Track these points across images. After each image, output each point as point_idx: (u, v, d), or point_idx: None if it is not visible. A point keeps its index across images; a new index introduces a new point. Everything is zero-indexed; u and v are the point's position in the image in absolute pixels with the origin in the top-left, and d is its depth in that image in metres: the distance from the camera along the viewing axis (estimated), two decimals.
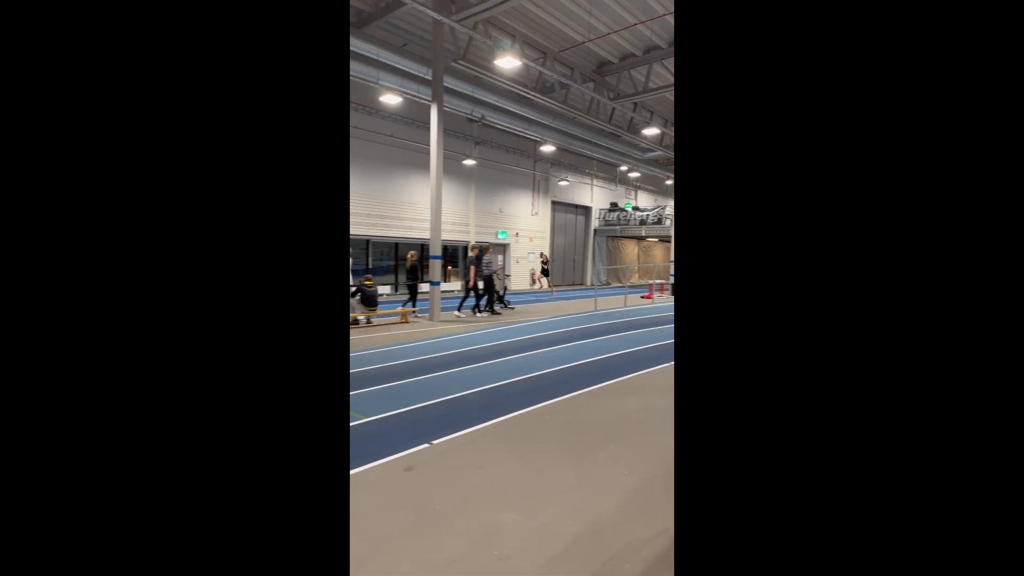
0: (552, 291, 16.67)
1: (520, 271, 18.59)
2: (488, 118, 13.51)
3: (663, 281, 17.18)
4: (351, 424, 3.59)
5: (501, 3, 8.32)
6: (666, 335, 7.89)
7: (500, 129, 15.61)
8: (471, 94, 11.75)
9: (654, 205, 23.00)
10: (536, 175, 18.65)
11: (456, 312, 9.99)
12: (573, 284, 21.20)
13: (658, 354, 6.40)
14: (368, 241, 13.76)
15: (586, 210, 21.65)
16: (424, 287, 10.28)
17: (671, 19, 10.35)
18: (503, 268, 12.83)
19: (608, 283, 21.84)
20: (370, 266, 13.75)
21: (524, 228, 18.65)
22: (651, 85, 12.82)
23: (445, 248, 14.00)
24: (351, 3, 9.80)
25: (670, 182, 23.18)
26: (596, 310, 11.21)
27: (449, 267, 16.08)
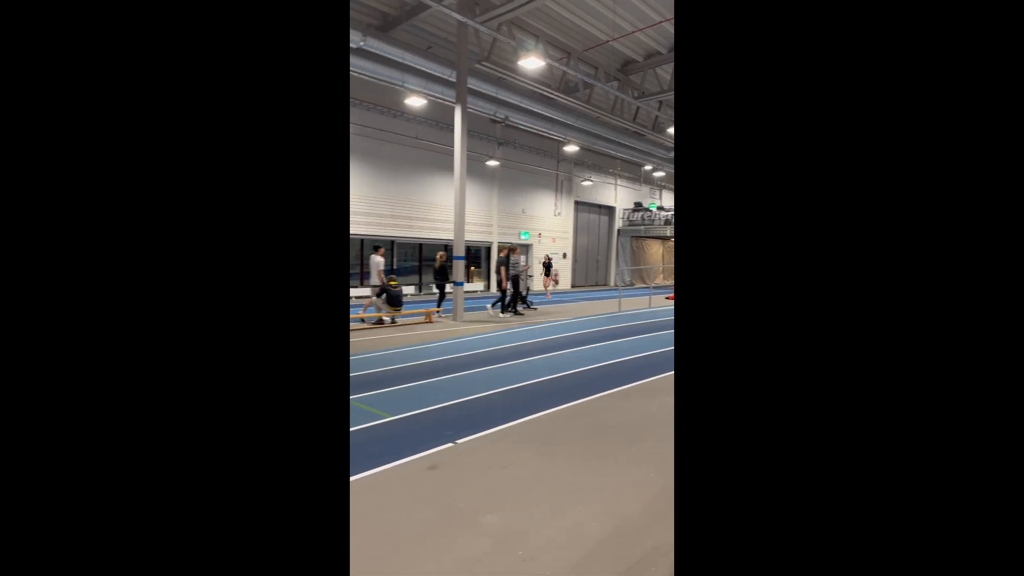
0: (548, 293, 15.33)
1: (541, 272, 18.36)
2: (511, 119, 13.51)
3: None
4: (375, 423, 3.63)
5: (525, 3, 8.33)
6: None
7: (523, 130, 15.59)
8: (494, 95, 11.78)
9: None
10: (559, 175, 18.57)
11: (498, 312, 10.18)
12: (596, 285, 21.05)
13: None
14: (393, 242, 13.92)
15: (610, 210, 21.48)
16: (448, 287, 10.36)
17: None
18: (528, 269, 12.78)
19: (632, 284, 21.59)
20: (394, 267, 13.91)
21: (547, 228, 18.59)
22: None
23: (468, 249, 14.02)
24: (377, 7, 9.94)
25: None
26: (620, 311, 11.12)
27: (472, 268, 16.06)
